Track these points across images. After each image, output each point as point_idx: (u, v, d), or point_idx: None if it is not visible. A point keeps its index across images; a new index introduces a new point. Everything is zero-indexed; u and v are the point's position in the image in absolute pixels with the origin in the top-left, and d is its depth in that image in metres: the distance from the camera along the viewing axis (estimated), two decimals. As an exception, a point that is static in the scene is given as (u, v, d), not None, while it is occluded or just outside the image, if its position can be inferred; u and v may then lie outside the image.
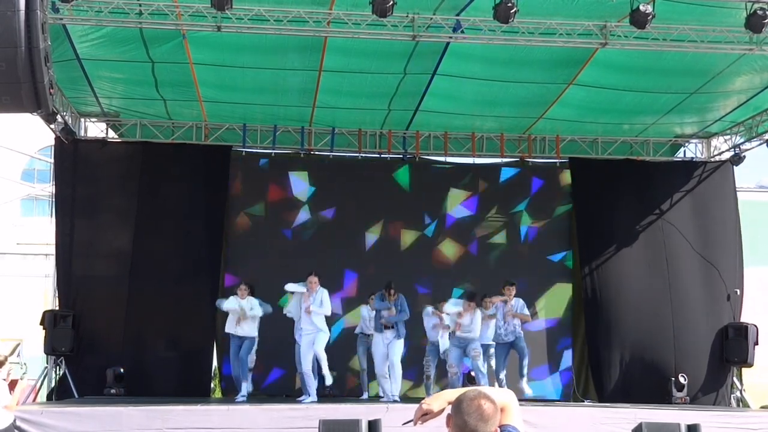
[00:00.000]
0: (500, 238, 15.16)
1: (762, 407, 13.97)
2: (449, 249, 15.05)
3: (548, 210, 15.29)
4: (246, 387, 12.38)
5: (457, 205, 15.13)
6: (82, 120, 14.47)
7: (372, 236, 14.92)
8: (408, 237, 14.98)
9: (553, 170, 15.36)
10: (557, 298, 15.10)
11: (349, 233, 14.86)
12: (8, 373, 13.19)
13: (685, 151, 15.68)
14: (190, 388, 13.43)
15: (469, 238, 15.09)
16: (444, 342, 12.44)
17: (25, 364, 18.66)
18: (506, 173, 15.30)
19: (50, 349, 13.25)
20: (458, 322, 12.01)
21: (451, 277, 14.76)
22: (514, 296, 12.81)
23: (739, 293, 14.59)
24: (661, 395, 13.95)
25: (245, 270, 14.42)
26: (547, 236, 15.21)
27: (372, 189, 15.03)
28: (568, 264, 15.18)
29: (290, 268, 14.13)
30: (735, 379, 14.41)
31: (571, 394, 14.63)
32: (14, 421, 9.38)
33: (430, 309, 12.57)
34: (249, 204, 14.83)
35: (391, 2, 9.65)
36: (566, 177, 15.28)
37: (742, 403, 14.23)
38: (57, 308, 13.70)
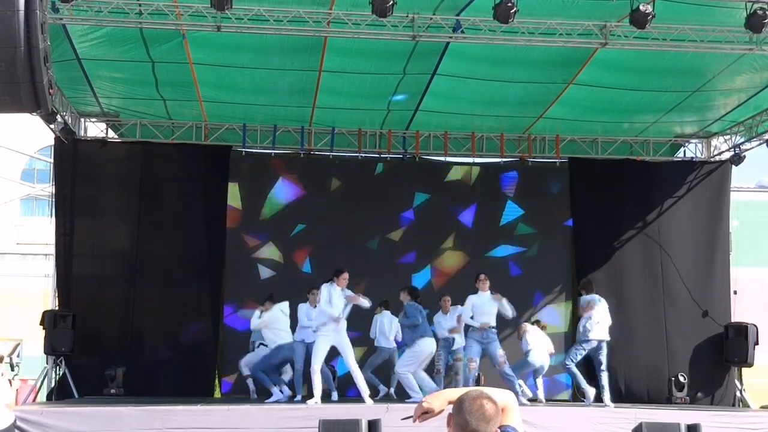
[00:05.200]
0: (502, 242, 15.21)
1: (762, 407, 13.96)
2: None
3: (548, 213, 15.29)
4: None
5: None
6: (82, 120, 14.47)
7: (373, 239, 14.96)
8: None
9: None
10: (558, 300, 15.12)
11: (353, 233, 14.86)
12: (2, 374, 13.22)
13: (685, 151, 15.68)
14: (191, 388, 13.44)
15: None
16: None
17: (17, 364, 18.64)
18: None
19: (50, 349, 13.25)
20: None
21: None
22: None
23: (737, 293, 14.62)
24: (660, 396, 13.98)
25: (245, 270, 14.48)
26: (548, 237, 15.22)
27: (377, 189, 15.06)
28: (567, 265, 15.18)
29: (290, 269, 14.19)
30: (735, 379, 14.42)
31: (570, 395, 14.62)
32: (15, 421, 9.38)
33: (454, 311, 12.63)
34: (249, 203, 14.83)
35: (391, 2, 9.65)
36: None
37: (742, 403, 14.24)
38: (57, 308, 13.70)
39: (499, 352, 11.98)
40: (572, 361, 12.40)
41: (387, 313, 13.05)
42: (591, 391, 12.27)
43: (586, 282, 12.94)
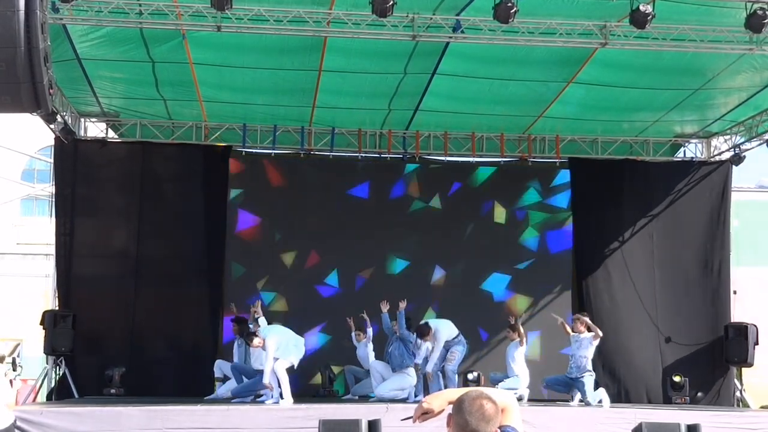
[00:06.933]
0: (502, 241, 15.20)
1: (762, 407, 13.98)
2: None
3: (548, 212, 15.30)
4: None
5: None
6: (82, 120, 14.47)
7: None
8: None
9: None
10: (558, 301, 15.12)
11: (352, 233, 14.86)
12: (5, 374, 13.19)
13: (685, 151, 15.66)
14: (190, 388, 13.43)
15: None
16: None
17: (20, 365, 18.58)
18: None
19: (50, 349, 13.25)
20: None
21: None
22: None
23: (737, 293, 14.61)
24: (660, 396, 13.98)
25: (245, 270, 14.49)
26: (548, 239, 15.22)
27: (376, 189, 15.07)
28: (568, 266, 15.17)
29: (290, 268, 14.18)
30: (735, 379, 14.42)
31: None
32: (15, 421, 9.38)
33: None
34: (250, 203, 14.82)
35: (391, 2, 9.65)
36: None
37: (742, 403, 14.24)
38: (57, 308, 13.70)
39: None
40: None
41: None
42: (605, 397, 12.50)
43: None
